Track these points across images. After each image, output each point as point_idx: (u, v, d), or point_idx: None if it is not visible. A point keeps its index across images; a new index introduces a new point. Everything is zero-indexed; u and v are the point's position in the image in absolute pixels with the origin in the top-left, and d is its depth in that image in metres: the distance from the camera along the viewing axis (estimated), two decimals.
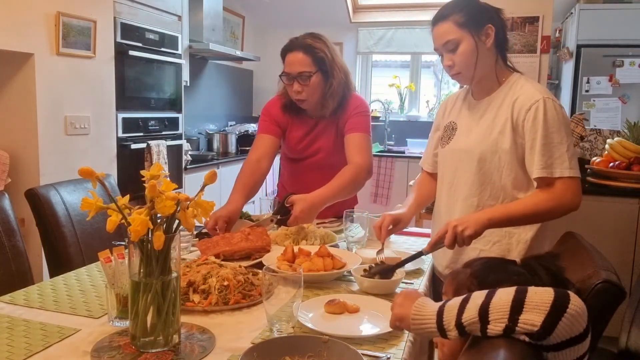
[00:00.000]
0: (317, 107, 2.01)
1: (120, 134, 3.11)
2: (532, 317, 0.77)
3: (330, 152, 2.07)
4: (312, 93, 1.95)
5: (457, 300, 0.87)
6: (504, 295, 0.82)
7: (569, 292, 0.81)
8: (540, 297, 0.79)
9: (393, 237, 1.78)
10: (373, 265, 1.41)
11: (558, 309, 0.77)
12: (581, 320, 0.79)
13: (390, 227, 1.55)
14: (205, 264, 1.33)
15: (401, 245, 1.79)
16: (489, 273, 1.04)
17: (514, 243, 1.47)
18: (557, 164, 1.37)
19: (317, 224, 1.95)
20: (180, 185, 3.59)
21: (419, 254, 1.41)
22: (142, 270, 1.01)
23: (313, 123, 2.07)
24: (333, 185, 1.86)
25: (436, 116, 1.73)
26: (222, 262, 1.37)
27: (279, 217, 1.82)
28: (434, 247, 1.39)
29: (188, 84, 3.88)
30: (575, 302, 0.79)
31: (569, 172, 1.36)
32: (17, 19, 2.41)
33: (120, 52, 3.05)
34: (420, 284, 1.45)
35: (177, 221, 1.01)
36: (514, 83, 1.49)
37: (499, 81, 1.51)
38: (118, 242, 1.24)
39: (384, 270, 1.37)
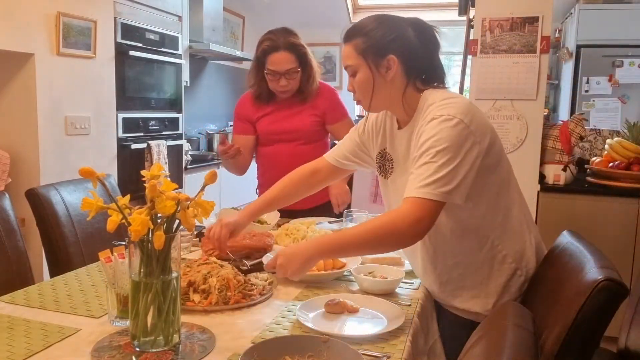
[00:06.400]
0: (295, 95, 2.16)
1: (121, 134, 3.11)
2: None
3: (306, 132, 2.17)
4: (295, 85, 2.12)
5: None
6: None
7: None
8: None
9: None
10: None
11: None
12: None
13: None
14: (206, 264, 1.33)
15: None
16: None
17: (499, 257, 1.34)
18: (414, 182, 1.19)
19: (317, 223, 1.95)
20: (180, 185, 3.60)
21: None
22: (142, 270, 1.01)
23: (287, 105, 2.19)
24: None
25: (365, 123, 1.53)
26: (223, 263, 1.37)
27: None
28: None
29: (188, 84, 3.88)
30: None
31: (417, 192, 1.17)
32: (17, 19, 2.41)
33: (121, 53, 3.05)
34: (420, 282, 1.46)
35: (177, 221, 1.02)
36: (423, 106, 1.30)
37: (406, 113, 1.34)
38: (118, 242, 1.24)
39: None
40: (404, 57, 1.29)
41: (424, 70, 1.33)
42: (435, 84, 1.35)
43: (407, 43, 1.30)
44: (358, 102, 1.38)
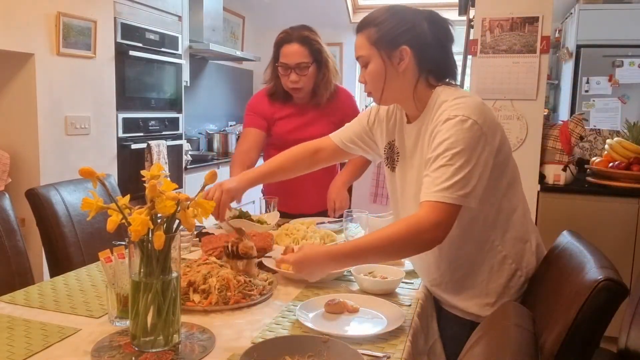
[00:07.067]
0: (309, 96, 2.12)
1: (121, 134, 3.11)
2: None
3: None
4: (307, 82, 2.06)
5: None
6: None
7: None
8: None
9: None
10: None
11: None
12: None
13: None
14: (206, 264, 1.33)
15: None
16: None
17: (498, 259, 1.34)
18: (431, 186, 1.18)
19: (317, 223, 1.95)
20: (180, 185, 3.59)
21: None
22: (142, 270, 1.01)
23: (304, 110, 2.15)
24: None
25: (377, 111, 1.52)
26: (223, 262, 1.37)
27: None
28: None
29: (188, 84, 3.88)
30: None
31: (434, 196, 1.17)
32: (17, 19, 2.41)
33: (121, 53, 3.05)
34: (420, 283, 1.46)
35: (177, 221, 1.02)
36: (435, 103, 1.29)
37: (417, 107, 1.33)
38: (118, 242, 1.25)
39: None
40: (417, 49, 1.27)
41: (436, 63, 1.32)
42: (447, 79, 1.34)
43: (420, 35, 1.28)
44: (369, 94, 1.37)
